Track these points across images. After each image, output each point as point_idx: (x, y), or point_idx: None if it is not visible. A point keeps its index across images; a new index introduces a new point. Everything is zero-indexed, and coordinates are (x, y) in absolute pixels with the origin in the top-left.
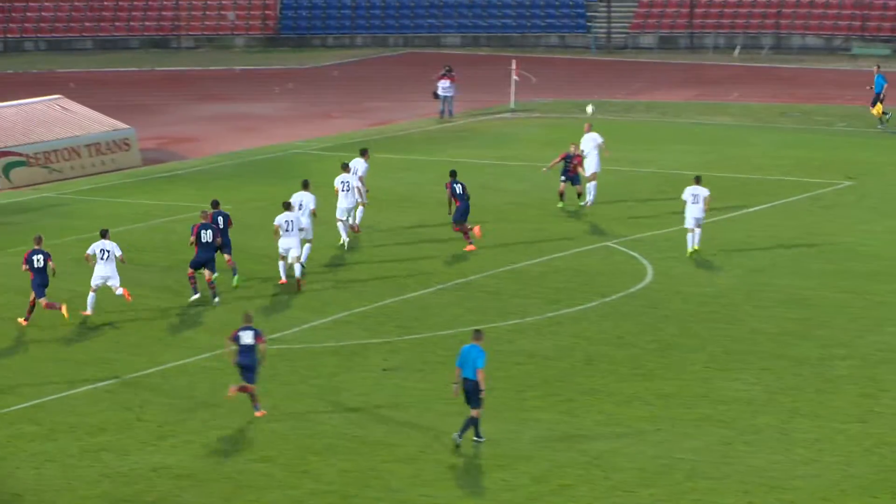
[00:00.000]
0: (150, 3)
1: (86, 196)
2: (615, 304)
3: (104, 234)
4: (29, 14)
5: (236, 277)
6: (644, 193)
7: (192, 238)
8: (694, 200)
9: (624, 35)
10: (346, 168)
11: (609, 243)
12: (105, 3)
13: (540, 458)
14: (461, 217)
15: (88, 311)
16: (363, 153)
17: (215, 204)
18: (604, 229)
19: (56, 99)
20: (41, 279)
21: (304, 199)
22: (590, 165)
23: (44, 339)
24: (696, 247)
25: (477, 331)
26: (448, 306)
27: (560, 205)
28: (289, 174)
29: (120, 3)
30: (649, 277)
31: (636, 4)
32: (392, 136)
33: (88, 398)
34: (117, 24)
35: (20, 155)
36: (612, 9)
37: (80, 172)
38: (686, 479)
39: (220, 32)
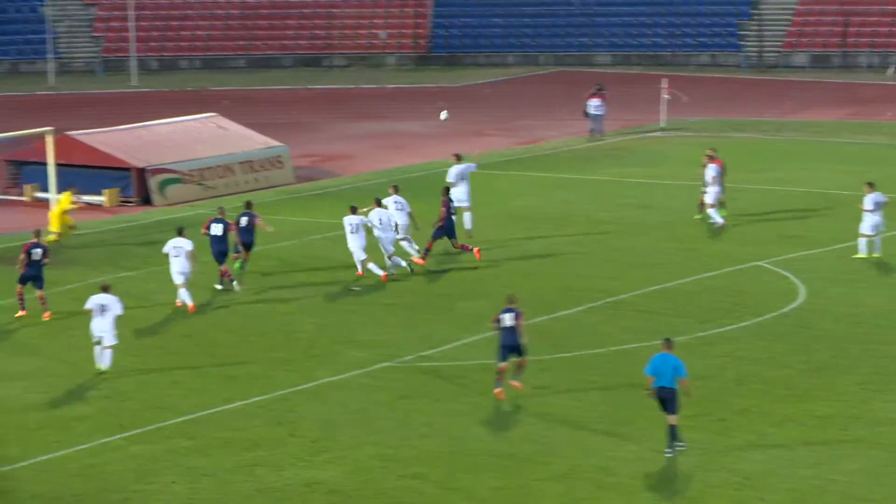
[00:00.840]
0: (302, 22)
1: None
2: (767, 324)
3: (180, 232)
4: (184, 33)
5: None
6: (796, 213)
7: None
8: (875, 207)
9: (776, 54)
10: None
11: (761, 263)
12: (259, 22)
13: (691, 479)
14: (445, 233)
15: (185, 303)
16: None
17: (248, 205)
18: (756, 249)
19: (211, 117)
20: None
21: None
22: (711, 193)
23: (196, 354)
24: (876, 254)
25: (667, 340)
26: (599, 325)
27: (698, 216)
28: (438, 191)
29: (273, 23)
30: (801, 297)
31: (788, 23)
32: (542, 155)
33: (242, 414)
34: (270, 42)
35: (176, 172)
36: (764, 27)
37: (234, 189)
38: (840, 502)
39: (372, 51)
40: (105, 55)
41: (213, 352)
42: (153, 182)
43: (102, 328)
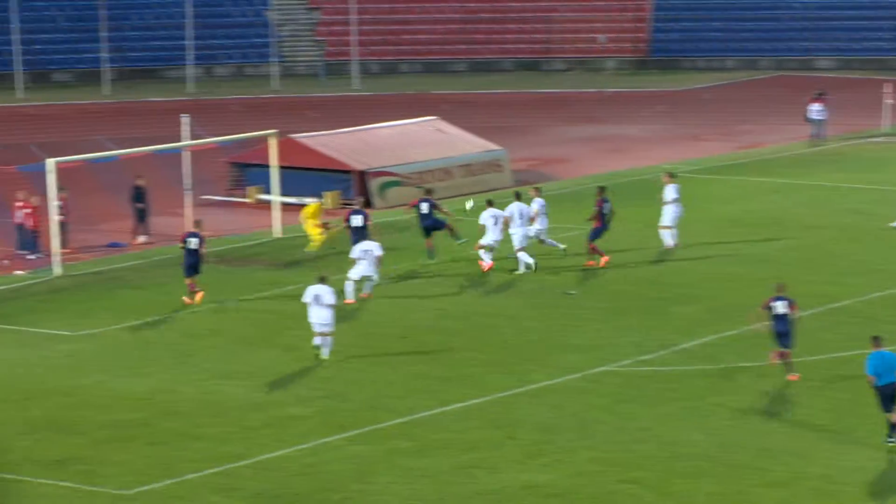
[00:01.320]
0: (522, 26)
1: (459, 216)
2: None
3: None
4: (404, 37)
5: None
6: None
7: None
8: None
9: None
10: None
11: None
12: (479, 26)
13: None
14: (595, 236)
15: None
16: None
17: (428, 192)
18: None
19: (431, 120)
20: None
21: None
22: None
23: (411, 355)
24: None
25: (875, 337)
26: (818, 331)
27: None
28: (655, 195)
29: (493, 27)
30: None
31: None
32: (761, 159)
33: (459, 416)
34: (490, 46)
35: (396, 175)
36: None
37: (452, 192)
38: None
39: (591, 55)
40: (327, 59)
41: (428, 354)
42: (374, 185)
43: (320, 318)
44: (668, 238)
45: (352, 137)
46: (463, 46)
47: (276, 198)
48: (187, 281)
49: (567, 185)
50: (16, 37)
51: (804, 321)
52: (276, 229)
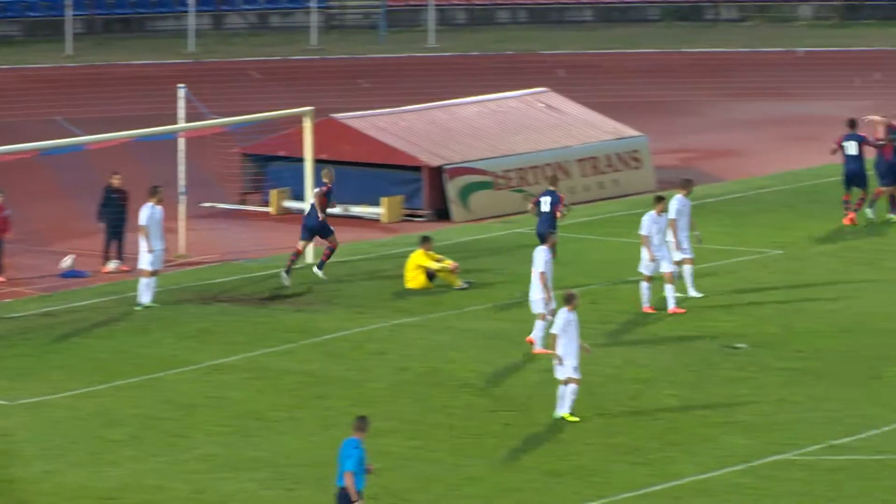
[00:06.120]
0: None
1: (576, 233)
2: None
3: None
4: None
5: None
6: None
7: None
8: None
9: None
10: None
11: None
12: None
13: None
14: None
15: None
16: (684, 185)
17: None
18: None
19: (539, 93)
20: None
21: None
22: None
23: (495, 434)
24: None
25: None
26: None
27: None
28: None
29: None
30: None
31: None
32: None
33: None
34: None
35: (485, 173)
36: None
37: (569, 199)
38: None
39: None
40: (391, 4)
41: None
42: (453, 187)
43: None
44: None
45: (422, 118)
46: None
47: (310, 205)
48: None
49: (735, 190)
50: None
51: None
52: (310, 252)
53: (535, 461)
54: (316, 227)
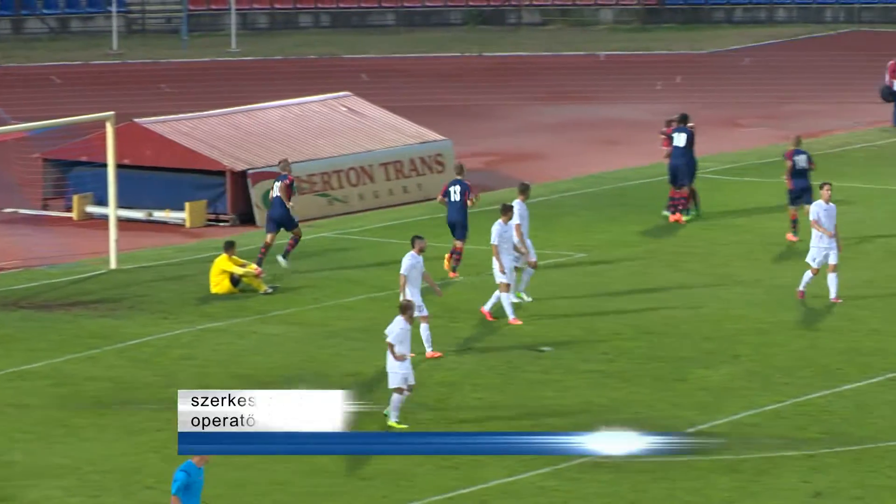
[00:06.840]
0: None
1: (380, 237)
2: None
3: None
4: None
5: None
6: None
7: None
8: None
9: None
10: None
11: None
12: None
13: None
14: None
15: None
16: (522, 191)
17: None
18: None
19: (342, 97)
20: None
21: None
22: None
23: None
24: None
25: None
26: None
27: None
28: (662, 206)
29: None
30: None
31: None
32: (824, 154)
33: None
34: None
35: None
36: None
37: (373, 203)
38: None
39: (579, 2)
40: (192, 8)
41: None
42: (257, 192)
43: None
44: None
45: (225, 122)
46: None
47: (113, 211)
48: None
49: (539, 194)
50: None
51: (874, 391)
52: (113, 257)
53: (344, 466)
54: (281, 219)
